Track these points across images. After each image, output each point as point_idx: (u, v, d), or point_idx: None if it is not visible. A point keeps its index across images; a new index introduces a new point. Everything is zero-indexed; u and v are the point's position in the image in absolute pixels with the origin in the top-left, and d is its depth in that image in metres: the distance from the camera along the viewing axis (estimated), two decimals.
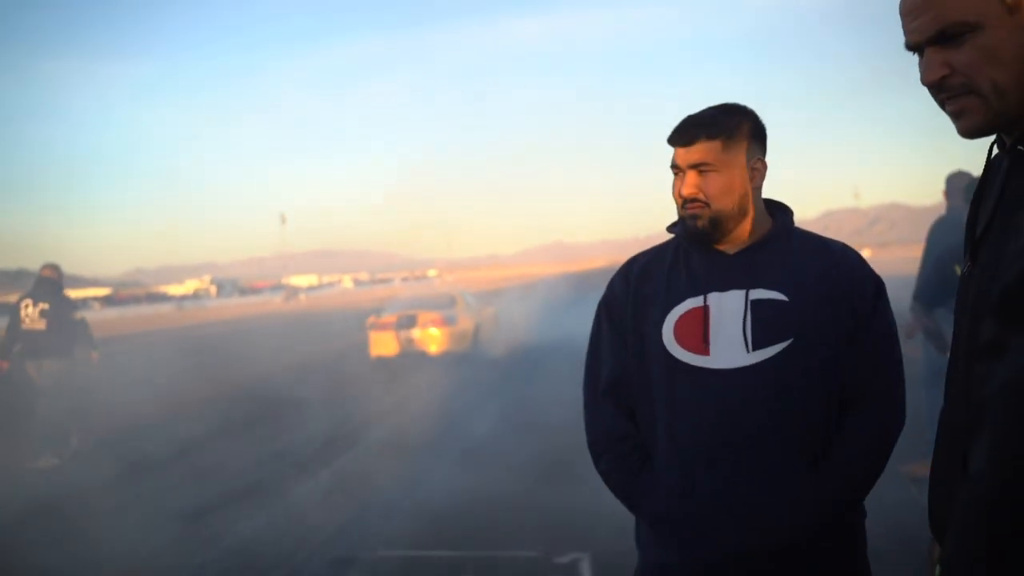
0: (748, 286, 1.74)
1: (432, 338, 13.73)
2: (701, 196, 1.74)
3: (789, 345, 1.69)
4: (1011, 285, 1.00)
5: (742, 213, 1.77)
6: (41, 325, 7.76)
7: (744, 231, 1.79)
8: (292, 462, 7.17)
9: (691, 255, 1.83)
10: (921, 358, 5.58)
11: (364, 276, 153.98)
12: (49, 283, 8.02)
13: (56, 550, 5.02)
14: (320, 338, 21.19)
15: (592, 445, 1.89)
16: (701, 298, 1.76)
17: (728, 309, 1.73)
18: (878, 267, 1.86)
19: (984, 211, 1.17)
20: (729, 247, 1.80)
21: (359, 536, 5.05)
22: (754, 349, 1.70)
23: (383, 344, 13.86)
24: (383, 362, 13.75)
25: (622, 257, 2.08)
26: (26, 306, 7.85)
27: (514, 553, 4.57)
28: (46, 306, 7.81)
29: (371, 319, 14.47)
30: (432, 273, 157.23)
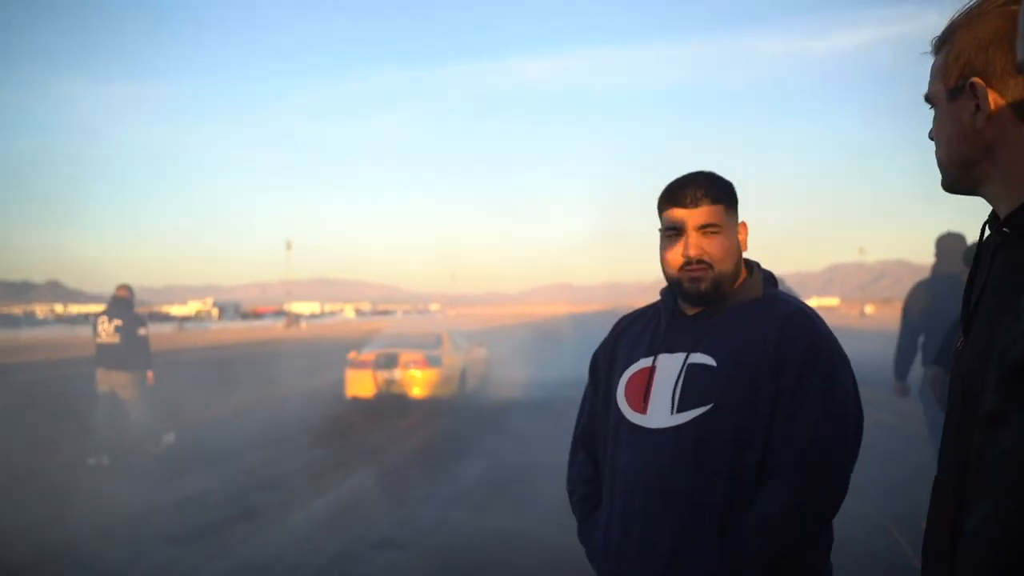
0: (691, 349, 1.80)
1: (413, 380, 12.38)
2: (707, 258, 1.79)
3: (708, 410, 1.73)
4: (1014, 364, 1.05)
5: (737, 275, 1.84)
6: (115, 339, 8.61)
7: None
8: (289, 490, 7.15)
9: (661, 317, 1.92)
10: (929, 419, 5.48)
11: (366, 306, 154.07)
12: (123, 302, 8.88)
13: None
14: (317, 367, 21.15)
15: (567, 485, 2.06)
16: (651, 359, 1.85)
17: (668, 371, 1.81)
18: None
19: (976, 287, 1.22)
20: (691, 308, 1.86)
21: (350, 570, 5.03)
22: (678, 411, 1.76)
23: (359, 384, 12.52)
24: (361, 403, 12.51)
25: (624, 300, 2.16)
26: (102, 322, 8.70)
27: None
28: (120, 323, 8.65)
29: (352, 354, 13.23)
30: (434, 307, 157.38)
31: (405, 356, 12.52)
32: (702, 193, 1.80)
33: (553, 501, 6.41)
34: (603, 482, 1.92)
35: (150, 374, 8.92)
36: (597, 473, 1.98)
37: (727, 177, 1.88)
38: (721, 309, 1.83)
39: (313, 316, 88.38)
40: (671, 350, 1.83)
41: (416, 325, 18.04)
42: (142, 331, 8.87)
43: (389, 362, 12.47)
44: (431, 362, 12.54)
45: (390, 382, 12.31)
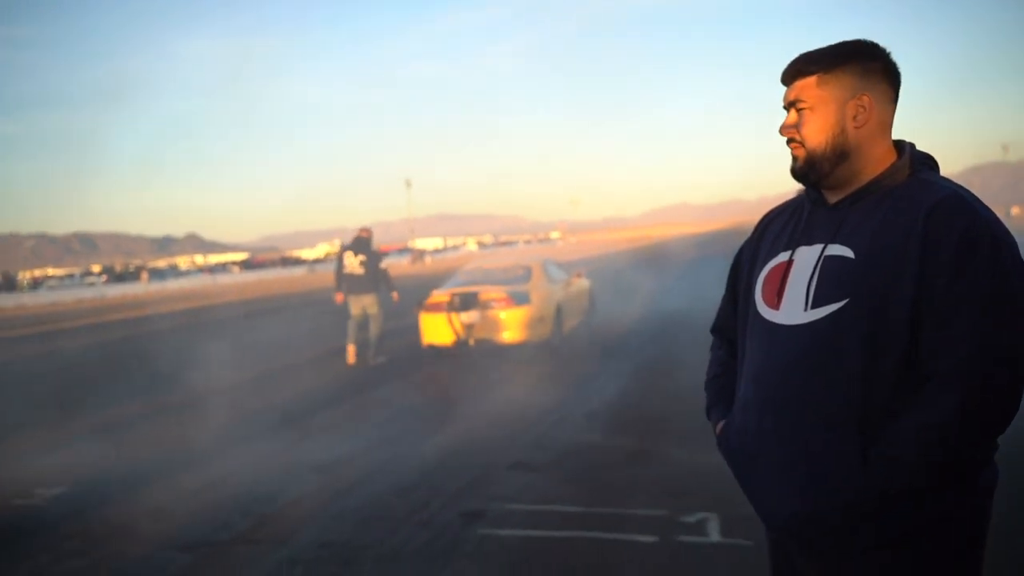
0: (829, 240, 1.66)
1: (496, 322, 10.41)
2: (796, 136, 1.70)
3: (844, 306, 1.59)
4: None
5: (838, 155, 1.66)
6: (360, 271, 10.75)
7: (848, 177, 1.68)
8: (422, 418, 7.36)
9: (804, 208, 1.79)
10: None
11: (488, 239, 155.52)
12: (364, 241, 10.97)
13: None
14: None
15: (706, 372, 2.05)
16: (789, 253, 1.73)
17: (805, 264, 1.68)
18: None
19: None
20: (833, 196, 1.72)
21: (488, 491, 5.15)
22: (813, 307, 1.63)
23: (435, 330, 10.67)
24: (440, 351, 10.84)
25: (748, 218, 2.05)
26: (348, 256, 10.84)
27: (642, 511, 4.56)
28: (364, 258, 10.76)
29: (436, 293, 11.10)
30: (555, 235, 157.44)
31: (485, 294, 10.60)
32: (794, 68, 1.70)
33: (686, 423, 6.38)
34: (738, 379, 1.85)
35: (395, 295, 11.31)
36: (733, 359, 1.93)
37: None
38: (865, 195, 1.67)
39: (436, 251, 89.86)
40: (810, 242, 1.70)
41: (504, 257, 15.01)
42: (383, 265, 11.03)
43: (467, 302, 10.56)
44: (516, 300, 10.53)
45: (469, 326, 10.49)
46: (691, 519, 4.37)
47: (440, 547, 4.25)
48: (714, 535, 4.16)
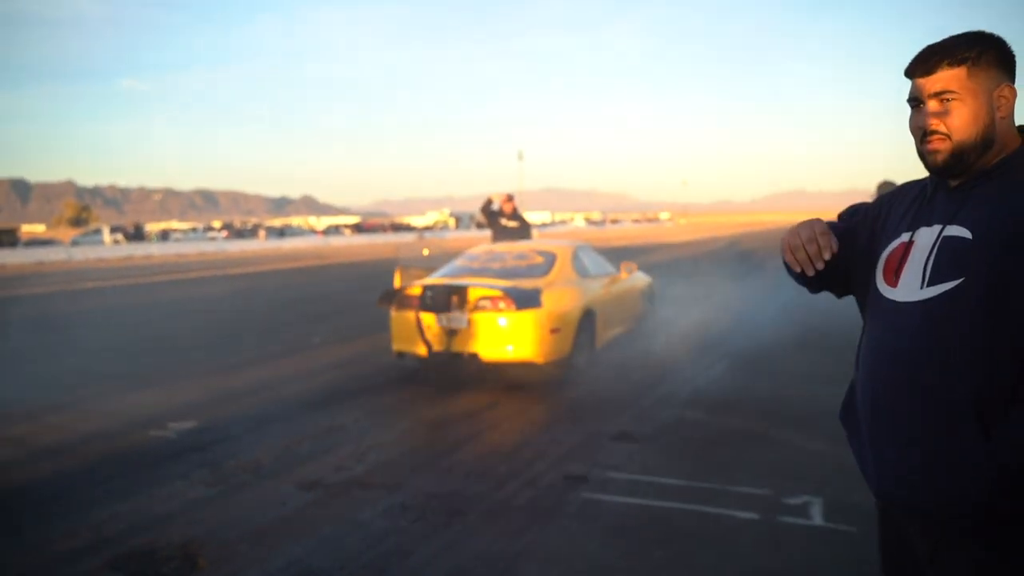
0: (947, 222, 1.69)
1: (487, 332, 7.35)
2: (942, 128, 1.68)
3: (960, 284, 1.61)
4: None
5: (985, 146, 1.68)
6: (515, 224, 11.46)
7: (982, 165, 1.70)
8: (529, 387, 7.50)
9: (927, 191, 1.81)
10: None
11: (596, 215, 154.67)
12: (514, 208, 11.71)
13: None
14: None
15: None
16: (910, 234, 1.76)
17: (924, 244, 1.71)
18: None
19: None
20: (955, 180, 1.73)
21: (591, 458, 5.26)
22: (929, 285, 1.66)
23: (406, 333, 7.73)
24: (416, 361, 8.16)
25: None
26: (503, 220, 11.47)
27: (743, 489, 4.59)
28: (517, 224, 11.50)
29: (411, 283, 8.08)
30: (664, 215, 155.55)
31: (476, 290, 7.47)
32: (939, 58, 1.67)
33: (795, 406, 6.33)
34: (857, 355, 1.88)
35: None
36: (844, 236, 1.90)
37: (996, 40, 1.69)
38: (986, 178, 1.69)
39: (544, 225, 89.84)
40: (930, 223, 1.73)
41: (518, 244, 9.29)
42: (534, 231, 12.06)
43: (448, 300, 7.46)
44: (519, 300, 7.36)
45: (450, 333, 7.47)
46: (795, 501, 4.38)
47: (544, 506, 4.39)
48: (817, 519, 4.16)
